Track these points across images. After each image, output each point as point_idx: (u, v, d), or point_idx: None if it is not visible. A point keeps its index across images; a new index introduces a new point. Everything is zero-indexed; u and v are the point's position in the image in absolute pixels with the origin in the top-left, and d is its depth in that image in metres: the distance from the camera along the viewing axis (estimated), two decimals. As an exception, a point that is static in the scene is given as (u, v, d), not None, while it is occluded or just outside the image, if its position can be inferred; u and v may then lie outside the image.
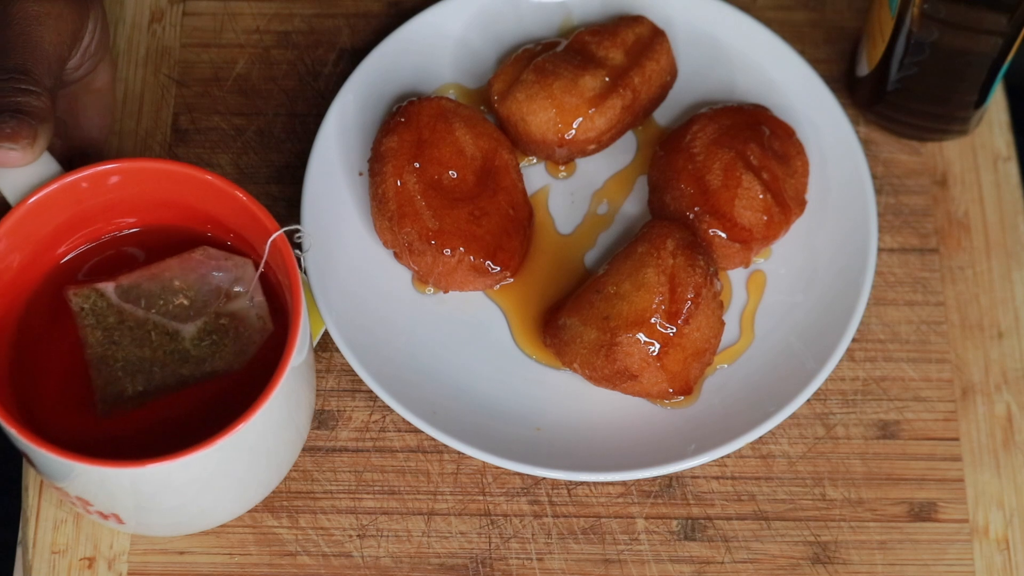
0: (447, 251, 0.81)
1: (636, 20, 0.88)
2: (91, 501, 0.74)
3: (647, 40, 0.88)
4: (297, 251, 0.74)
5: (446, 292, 0.85)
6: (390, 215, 0.82)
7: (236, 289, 0.77)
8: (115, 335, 0.76)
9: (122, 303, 0.76)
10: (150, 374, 0.76)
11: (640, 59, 0.87)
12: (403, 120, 0.83)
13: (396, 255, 0.84)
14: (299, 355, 0.74)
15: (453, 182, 0.83)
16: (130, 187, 0.77)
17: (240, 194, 0.75)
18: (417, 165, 0.82)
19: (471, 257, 0.82)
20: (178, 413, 0.76)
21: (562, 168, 0.89)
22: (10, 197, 0.75)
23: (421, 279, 0.84)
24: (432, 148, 0.83)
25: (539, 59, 0.87)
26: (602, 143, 0.87)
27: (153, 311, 0.77)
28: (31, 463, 0.74)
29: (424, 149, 0.83)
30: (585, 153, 0.87)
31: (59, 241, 0.78)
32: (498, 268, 0.83)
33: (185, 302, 0.77)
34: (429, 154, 0.83)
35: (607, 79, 0.86)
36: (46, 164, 0.76)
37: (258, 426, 0.72)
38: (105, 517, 0.76)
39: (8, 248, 0.75)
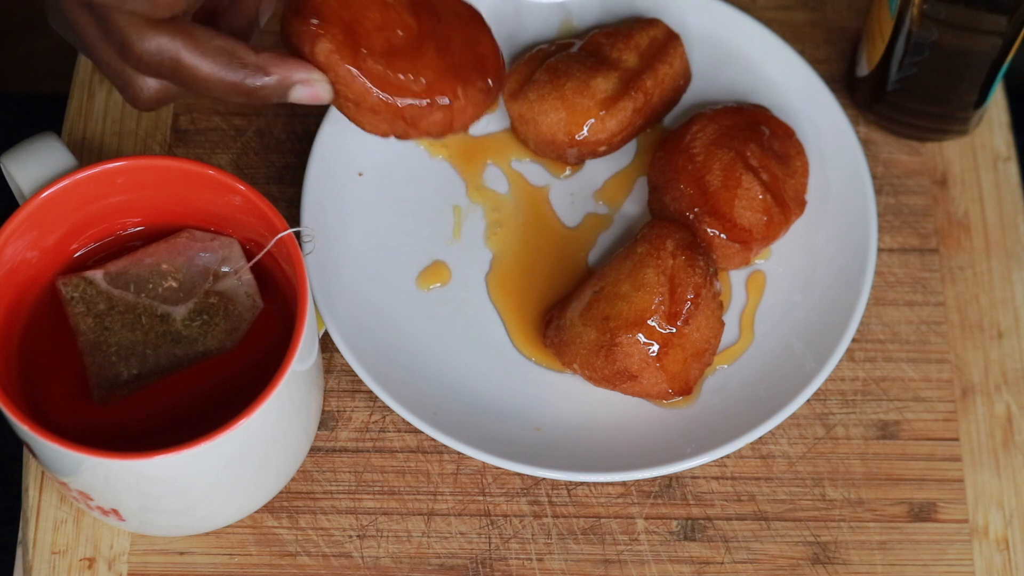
0: (446, 98, 0.76)
1: (651, 23, 0.88)
2: (93, 496, 0.74)
3: (661, 43, 0.87)
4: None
5: (467, 131, 0.79)
6: (373, 106, 0.76)
7: (224, 269, 0.78)
8: (106, 321, 0.77)
9: (112, 289, 0.77)
10: (143, 357, 0.76)
11: (653, 62, 0.87)
12: (316, 22, 0.75)
13: (400, 136, 0.78)
14: (307, 359, 0.75)
15: (401, 36, 0.76)
16: (137, 186, 0.77)
17: (249, 192, 0.75)
18: (364, 50, 0.75)
19: (471, 88, 0.77)
20: (182, 406, 0.76)
21: (566, 167, 0.89)
22: (26, 189, 0.76)
23: (440, 135, 0.78)
24: (360, 23, 0.75)
25: (552, 59, 0.87)
26: (613, 145, 0.87)
27: (143, 295, 0.77)
28: (34, 455, 0.74)
29: (355, 30, 0.75)
30: (596, 154, 0.87)
31: (69, 239, 0.78)
32: (491, 81, 0.78)
33: (174, 284, 0.77)
34: (363, 31, 0.75)
35: (619, 81, 0.86)
36: (62, 158, 0.76)
37: (263, 422, 0.72)
38: (105, 513, 0.76)
39: (22, 241, 0.75)
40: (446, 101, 0.76)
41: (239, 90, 0.72)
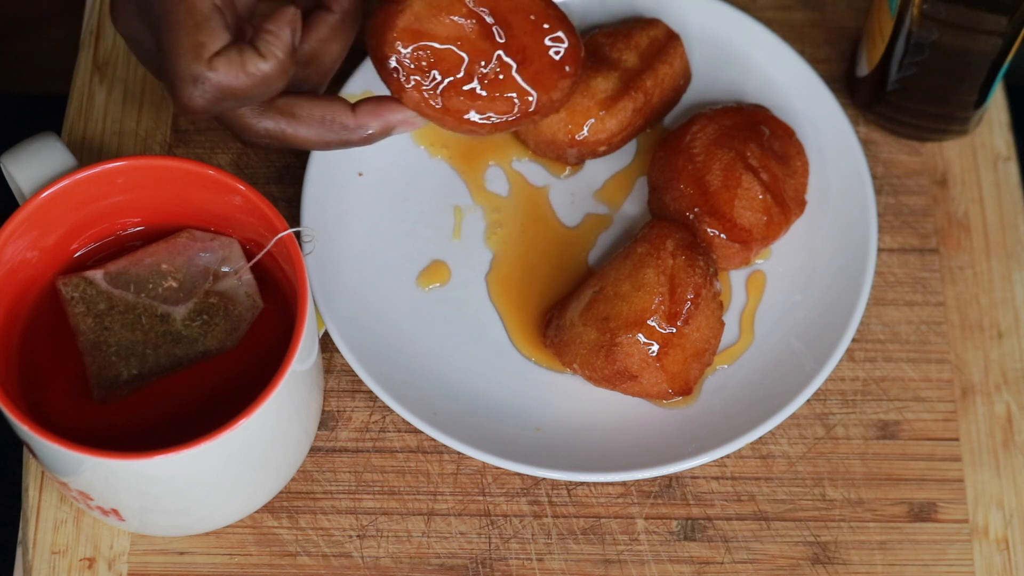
0: (532, 106, 0.78)
1: (651, 23, 0.88)
2: (93, 496, 0.74)
3: (661, 43, 0.87)
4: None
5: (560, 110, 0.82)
6: (468, 129, 0.78)
7: (223, 269, 0.78)
8: (106, 321, 0.77)
9: (112, 289, 0.77)
10: (143, 357, 0.76)
11: (653, 62, 0.87)
12: (400, 74, 0.77)
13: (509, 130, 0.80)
14: (307, 359, 0.75)
15: (479, 65, 0.78)
16: (137, 186, 0.77)
17: (249, 192, 0.76)
18: (448, 90, 0.77)
19: (553, 90, 0.79)
20: (182, 406, 0.76)
21: (566, 167, 0.89)
22: (26, 189, 0.76)
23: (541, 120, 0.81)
24: (438, 64, 0.77)
25: None
26: (613, 145, 0.87)
27: (143, 295, 0.77)
28: (34, 455, 0.74)
29: (434, 70, 0.77)
30: (596, 154, 0.87)
31: (69, 239, 0.78)
32: (569, 68, 0.79)
33: (174, 284, 0.77)
34: (442, 70, 0.77)
35: (619, 81, 0.86)
36: (62, 158, 0.76)
37: (263, 422, 0.72)
38: (105, 513, 0.76)
39: (22, 241, 0.75)
40: (532, 109, 0.79)
41: (345, 145, 0.77)
